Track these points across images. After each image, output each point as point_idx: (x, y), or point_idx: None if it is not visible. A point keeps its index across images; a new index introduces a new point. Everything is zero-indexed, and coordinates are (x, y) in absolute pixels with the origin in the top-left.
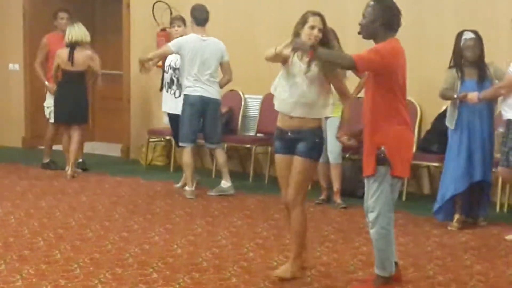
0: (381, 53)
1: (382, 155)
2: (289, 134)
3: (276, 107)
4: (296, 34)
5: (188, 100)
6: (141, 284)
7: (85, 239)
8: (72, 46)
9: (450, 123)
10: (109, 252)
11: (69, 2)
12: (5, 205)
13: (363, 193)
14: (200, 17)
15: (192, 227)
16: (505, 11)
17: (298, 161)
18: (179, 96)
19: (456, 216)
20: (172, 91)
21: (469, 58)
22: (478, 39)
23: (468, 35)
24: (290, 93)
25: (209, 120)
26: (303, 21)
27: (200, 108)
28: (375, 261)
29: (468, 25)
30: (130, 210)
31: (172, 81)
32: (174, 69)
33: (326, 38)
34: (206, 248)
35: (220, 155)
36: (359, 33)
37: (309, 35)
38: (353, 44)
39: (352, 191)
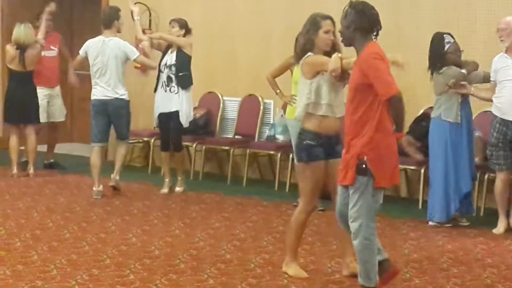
0: (384, 61)
1: (363, 166)
2: (333, 139)
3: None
4: (310, 41)
5: (91, 103)
6: (118, 285)
7: (62, 240)
8: (22, 47)
9: (453, 117)
10: (86, 253)
11: (47, 3)
12: None
13: None
14: (104, 19)
15: (169, 229)
16: (482, 15)
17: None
18: (177, 92)
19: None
20: (173, 89)
21: (456, 60)
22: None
23: (451, 39)
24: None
25: (113, 119)
26: (315, 26)
27: (102, 109)
28: (359, 271)
29: (446, 28)
30: (108, 211)
31: (170, 78)
32: (170, 67)
33: (335, 41)
34: (183, 250)
35: (122, 149)
36: (342, 41)
37: (325, 40)
38: None
39: (329, 194)
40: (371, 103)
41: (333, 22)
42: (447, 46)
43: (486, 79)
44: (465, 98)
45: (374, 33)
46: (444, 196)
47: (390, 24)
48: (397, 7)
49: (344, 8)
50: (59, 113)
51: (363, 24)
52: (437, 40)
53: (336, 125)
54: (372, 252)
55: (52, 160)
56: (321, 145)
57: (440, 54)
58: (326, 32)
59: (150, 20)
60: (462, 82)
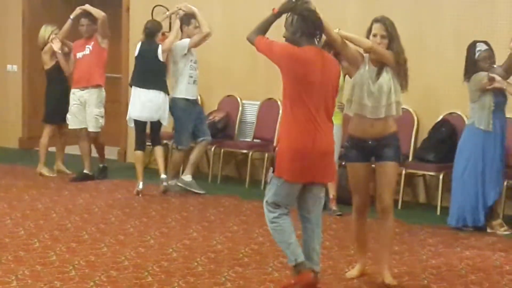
0: (277, 48)
1: (273, 154)
2: (370, 142)
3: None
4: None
5: None
6: (136, 287)
7: (81, 241)
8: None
9: (485, 125)
10: (105, 254)
11: (68, 6)
12: (1, 206)
13: None
14: None
15: (187, 232)
16: (504, 22)
17: (388, 166)
18: None
19: (499, 221)
20: None
21: (485, 69)
22: (491, 49)
23: (483, 47)
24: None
25: None
26: (369, 29)
27: None
28: None
29: (467, 35)
30: (126, 213)
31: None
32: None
33: (390, 45)
34: (201, 253)
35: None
36: None
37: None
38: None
39: (348, 199)
40: (284, 96)
41: (385, 25)
42: (477, 54)
43: (508, 71)
44: (499, 106)
45: (317, 37)
46: (475, 202)
47: (412, 31)
48: (419, 15)
49: (287, 15)
50: (90, 121)
51: (310, 29)
52: (470, 48)
53: (371, 127)
54: (282, 232)
55: (100, 165)
56: (355, 148)
57: (472, 62)
58: (374, 35)
59: (170, 23)
60: (492, 75)
